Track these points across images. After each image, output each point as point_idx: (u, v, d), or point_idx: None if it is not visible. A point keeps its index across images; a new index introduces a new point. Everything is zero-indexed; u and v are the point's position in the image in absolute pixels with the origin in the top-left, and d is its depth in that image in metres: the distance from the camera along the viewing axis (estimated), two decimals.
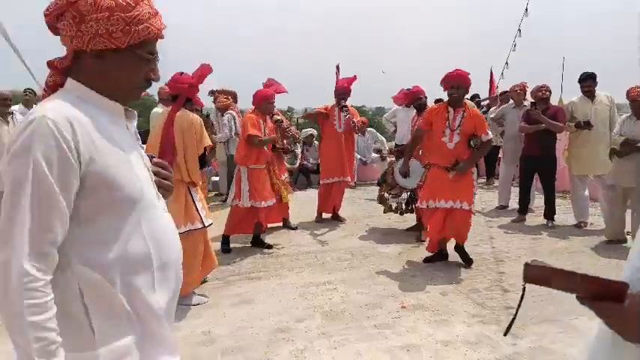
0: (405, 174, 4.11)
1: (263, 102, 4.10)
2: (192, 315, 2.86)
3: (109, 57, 0.96)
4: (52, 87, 0.99)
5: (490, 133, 3.63)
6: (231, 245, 4.16)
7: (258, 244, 4.26)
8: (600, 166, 4.58)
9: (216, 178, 6.97)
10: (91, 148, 0.90)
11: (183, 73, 2.92)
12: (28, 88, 6.41)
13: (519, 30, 8.17)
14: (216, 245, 3.95)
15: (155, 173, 1.11)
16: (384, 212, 4.82)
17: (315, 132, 7.81)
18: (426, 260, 3.79)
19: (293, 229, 4.88)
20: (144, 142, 2.23)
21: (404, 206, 4.62)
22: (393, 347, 2.42)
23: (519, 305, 0.87)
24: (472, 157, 3.55)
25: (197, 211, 2.95)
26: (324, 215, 5.30)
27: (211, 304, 3.03)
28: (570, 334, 2.54)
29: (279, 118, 4.59)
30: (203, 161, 3.03)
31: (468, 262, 3.67)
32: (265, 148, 4.06)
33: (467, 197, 3.51)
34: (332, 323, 2.71)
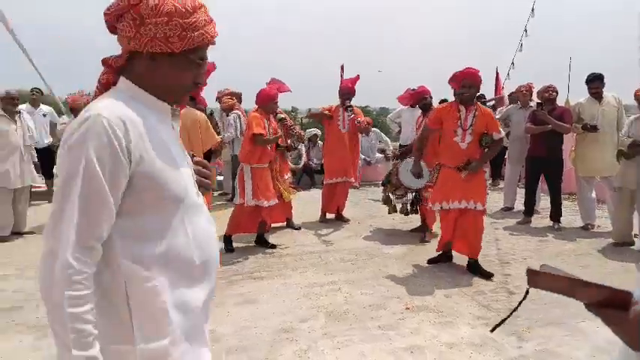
0: (419, 174, 4.00)
1: (268, 102, 4.10)
2: None
3: (162, 60, 0.98)
4: (105, 84, 1.02)
5: (502, 131, 3.56)
6: (235, 245, 4.16)
7: (262, 243, 4.25)
8: (607, 168, 4.53)
9: (221, 178, 6.98)
10: (142, 147, 0.93)
11: None
12: (34, 88, 6.46)
13: (525, 30, 8.12)
14: (220, 245, 3.95)
15: (196, 172, 1.14)
16: (389, 213, 4.80)
17: (319, 132, 7.80)
18: (430, 261, 3.77)
19: (296, 229, 4.88)
20: None
21: (409, 207, 4.60)
22: (397, 349, 2.41)
23: (517, 306, 0.86)
24: (484, 156, 3.48)
25: None
26: (328, 215, 5.29)
27: (215, 303, 3.01)
28: (576, 338, 2.51)
29: (282, 116, 4.59)
30: (208, 159, 3.02)
31: (487, 276, 3.44)
32: (269, 148, 4.06)
33: (480, 197, 3.44)
34: (336, 324, 2.71)
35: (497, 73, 8.34)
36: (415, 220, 4.77)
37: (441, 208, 3.55)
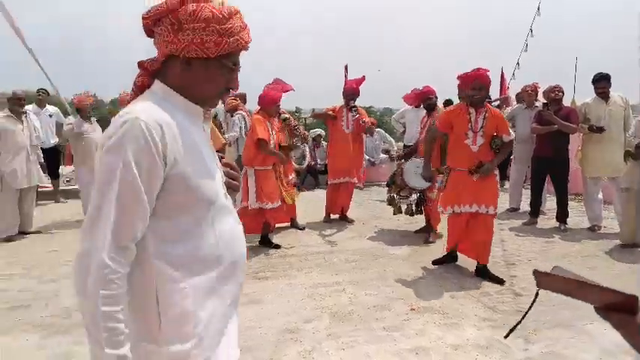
0: (430, 178, 3.95)
1: (272, 105, 4.13)
2: None
3: (197, 64, 1.00)
4: (140, 87, 1.05)
5: (512, 133, 3.51)
6: None
7: (266, 243, 4.26)
8: (614, 168, 4.49)
9: None
10: (176, 150, 0.95)
11: None
12: (41, 89, 6.51)
13: (531, 30, 8.07)
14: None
15: (224, 174, 1.16)
16: (394, 214, 4.78)
17: (323, 132, 7.80)
18: (435, 262, 3.75)
19: (301, 229, 4.88)
20: None
21: (414, 207, 4.58)
22: (402, 350, 2.39)
23: (528, 310, 0.85)
24: (496, 158, 3.41)
25: None
26: (332, 216, 5.28)
27: None
28: (583, 340, 2.48)
29: (286, 116, 4.59)
30: None
31: (499, 282, 3.34)
32: (272, 147, 4.06)
33: (492, 200, 3.37)
34: (340, 324, 2.70)
35: (502, 73, 8.31)
36: (420, 221, 4.75)
37: (453, 211, 3.48)
